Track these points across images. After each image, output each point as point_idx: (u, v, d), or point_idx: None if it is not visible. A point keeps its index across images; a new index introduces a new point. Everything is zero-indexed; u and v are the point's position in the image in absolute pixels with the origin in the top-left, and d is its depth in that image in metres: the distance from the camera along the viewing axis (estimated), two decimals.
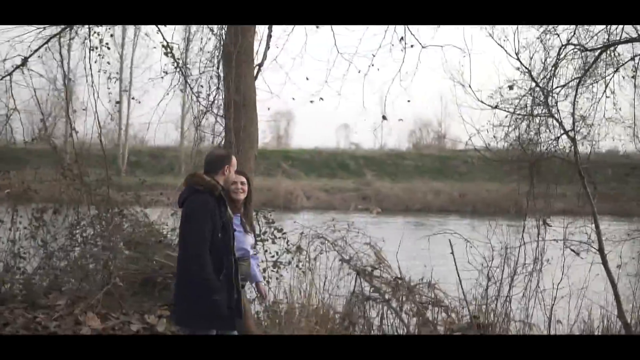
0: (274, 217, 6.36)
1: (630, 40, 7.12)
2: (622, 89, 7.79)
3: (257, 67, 5.62)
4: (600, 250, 7.45)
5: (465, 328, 6.34)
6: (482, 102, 7.79)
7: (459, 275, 6.31)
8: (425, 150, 33.39)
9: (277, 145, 44.85)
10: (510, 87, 7.23)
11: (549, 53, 7.22)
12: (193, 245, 3.77)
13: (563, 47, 7.01)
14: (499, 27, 7.37)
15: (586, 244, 7.67)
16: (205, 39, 6.52)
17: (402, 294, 6.78)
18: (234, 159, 4.09)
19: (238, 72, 5.20)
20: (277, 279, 5.82)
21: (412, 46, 7.65)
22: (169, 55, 6.61)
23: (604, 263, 7.42)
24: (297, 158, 35.00)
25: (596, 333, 7.26)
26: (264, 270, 5.71)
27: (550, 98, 7.23)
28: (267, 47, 5.65)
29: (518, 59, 7.62)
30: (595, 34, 7.06)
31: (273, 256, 5.73)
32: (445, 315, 6.70)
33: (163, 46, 6.60)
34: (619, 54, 7.49)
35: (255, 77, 5.62)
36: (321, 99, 7.57)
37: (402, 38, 7.60)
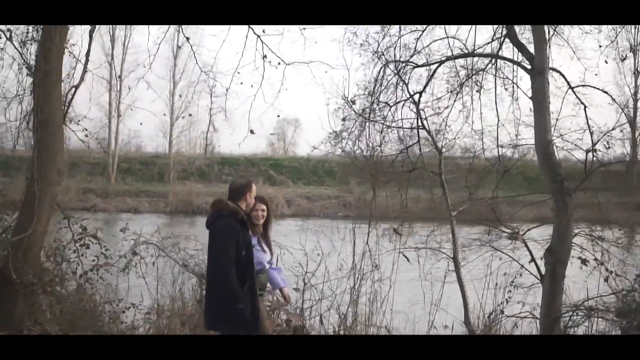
0: None
1: (463, 55, 7.44)
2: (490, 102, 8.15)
3: (74, 88, 6.14)
4: (454, 259, 7.80)
5: (285, 330, 6.75)
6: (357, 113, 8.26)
7: None
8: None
9: (284, 152, 45.45)
10: (353, 102, 7.63)
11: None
12: (220, 263, 4.43)
13: (384, 66, 7.38)
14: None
15: (440, 251, 8.04)
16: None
17: None
18: (254, 187, 4.78)
19: (43, 92, 5.72)
20: (98, 280, 6.33)
21: (279, 63, 8.22)
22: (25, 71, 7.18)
23: (457, 270, 7.76)
24: (286, 165, 35.50)
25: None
26: (85, 272, 6.26)
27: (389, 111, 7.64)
28: (85, 70, 6.17)
29: (397, 74, 8.04)
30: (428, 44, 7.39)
31: (93, 260, 6.26)
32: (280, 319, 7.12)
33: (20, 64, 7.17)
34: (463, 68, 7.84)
35: (72, 98, 6.16)
36: (190, 114, 8.27)
37: (265, 56, 8.16)
